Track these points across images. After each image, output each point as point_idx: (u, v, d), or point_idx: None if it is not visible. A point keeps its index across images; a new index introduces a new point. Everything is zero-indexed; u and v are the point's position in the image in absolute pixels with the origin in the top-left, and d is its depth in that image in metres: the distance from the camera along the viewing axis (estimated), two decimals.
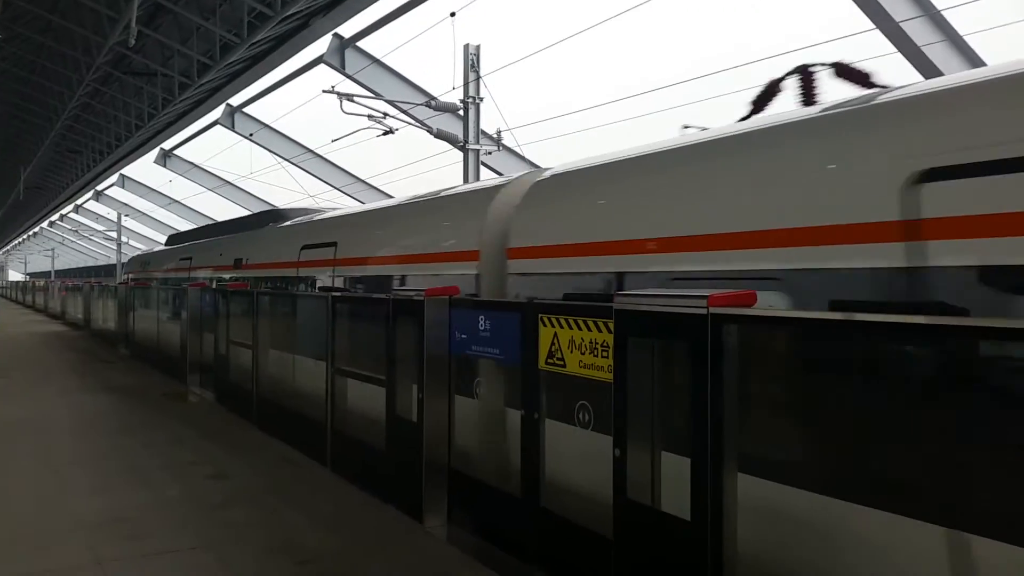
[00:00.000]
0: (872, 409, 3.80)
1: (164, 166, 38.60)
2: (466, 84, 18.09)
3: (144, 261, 27.19)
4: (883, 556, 3.51)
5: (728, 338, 3.98)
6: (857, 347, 3.88)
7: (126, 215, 56.47)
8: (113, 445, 9.25)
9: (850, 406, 3.88)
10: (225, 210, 38.26)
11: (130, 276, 28.12)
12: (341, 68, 20.58)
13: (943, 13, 11.04)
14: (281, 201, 30.02)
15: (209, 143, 35.75)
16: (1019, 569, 3.02)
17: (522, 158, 19.45)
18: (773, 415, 4.23)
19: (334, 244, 10.82)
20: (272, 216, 16.41)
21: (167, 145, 36.25)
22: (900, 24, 10.46)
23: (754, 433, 4.13)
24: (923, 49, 10.78)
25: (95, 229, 66.52)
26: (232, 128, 29.39)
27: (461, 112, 18.22)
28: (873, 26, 11.07)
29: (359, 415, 7.91)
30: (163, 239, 52.94)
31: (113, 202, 55.72)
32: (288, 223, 14.85)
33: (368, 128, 18.42)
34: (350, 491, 7.22)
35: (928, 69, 11.03)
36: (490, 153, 18.60)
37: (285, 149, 28.95)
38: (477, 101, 17.98)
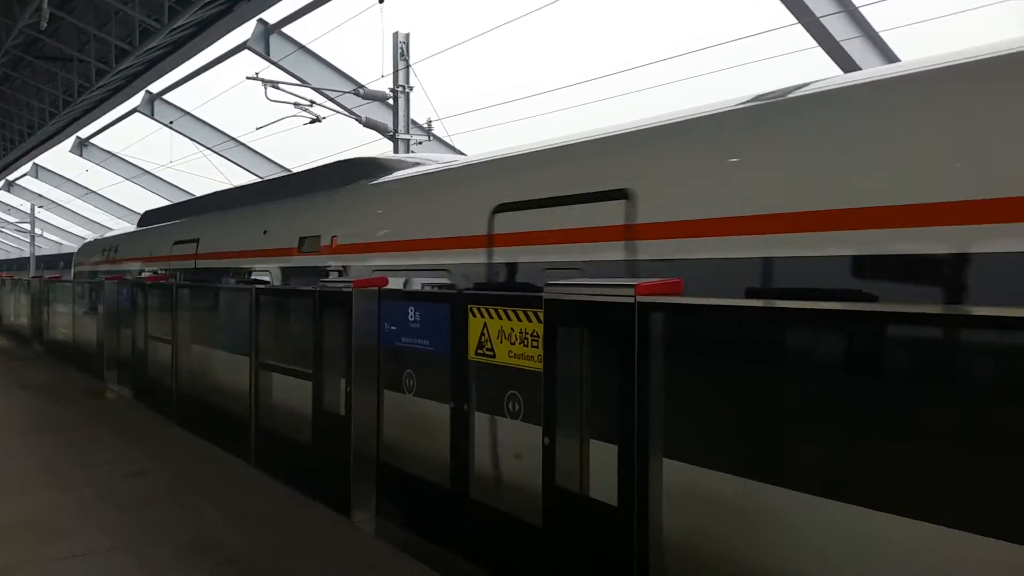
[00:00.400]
0: (795, 394, 3.87)
1: (80, 155, 37.13)
2: (395, 73, 17.87)
3: (107, 248, 19.45)
4: (809, 538, 3.58)
5: (655, 326, 4.03)
6: (779, 334, 3.95)
7: (40, 206, 54.17)
8: (26, 444, 8.85)
9: (773, 392, 3.95)
10: (145, 201, 37.05)
11: (80, 270, 21.49)
12: (266, 54, 20.09)
13: (861, 10, 11.38)
14: (202, 191, 29.21)
15: (128, 131, 34.49)
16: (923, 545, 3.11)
17: (452, 148, 19.33)
18: (699, 402, 4.28)
19: (622, 195, 5.61)
20: (360, 168, 9.76)
21: (83, 133, 34.84)
22: (820, 19, 10.73)
23: (680, 419, 4.18)
24: (842, 44, 11.09)
25: (6, 221, 63.64)
26: (152, 116, 28.45)
27: (391, 101, 18.00)
28: (795, 20, 11.33)
29: (285, 410, 7.74)
30: (83, 232, 50.87)
31: (26, 192, 53.37)
32: (440, 168, 8.44)
33: (294, 116, 18.06)
34: (275, 488, 7.07)
35: (847, 64, 11.34)
36: (420, 143, 18.42)
37: (207, 137, 28.18)
38: (407, 90, 17.78)
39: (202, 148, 28.18)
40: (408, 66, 17.81)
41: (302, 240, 9.50)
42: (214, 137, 28.18)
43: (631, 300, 4.07)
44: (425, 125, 18.12)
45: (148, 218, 18.21)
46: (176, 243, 14.01)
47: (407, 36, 17.98)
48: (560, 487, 4.42)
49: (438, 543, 5.59)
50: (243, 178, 26.81)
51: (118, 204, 43.36)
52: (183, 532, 5.90)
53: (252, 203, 12.35)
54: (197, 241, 13.05)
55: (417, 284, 7.58)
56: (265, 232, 10.75)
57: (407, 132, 17.62)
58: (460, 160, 8.63)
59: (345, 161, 10.52)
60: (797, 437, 3.83)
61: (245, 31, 19.96)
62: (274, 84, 18.17)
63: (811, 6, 10.83)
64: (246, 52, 20.71)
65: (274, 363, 8.07)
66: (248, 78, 18.31)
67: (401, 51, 17.90)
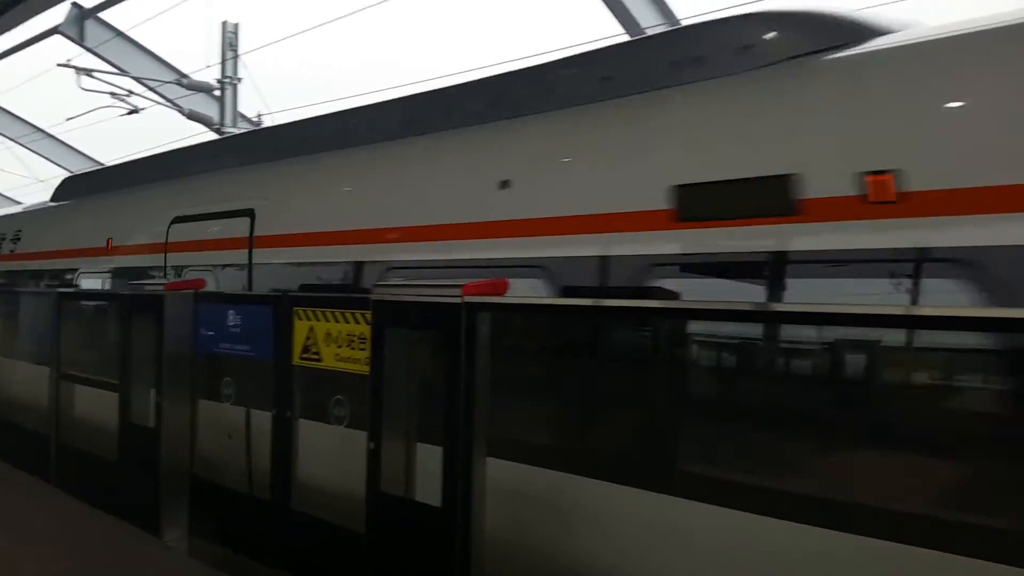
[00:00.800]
0: (616, 388, 3.94)
1: None
2: (223, 63, 17.09)
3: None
4: (630, 528, 3.62)
5: (482, 325, 4.03)
6: (603, 330, 4.01)
7: None
8: None
9: (597, 386, 4.00)
10: None
11: None
12: (80, 40, 18.65)
13: (683, 22, 11.95)
14: (6, 188, 26.63)
15: None
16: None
17: None
18: (524, 400, 4.29)
19: None
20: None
21: None
22: (645, 31, 11.17)
23: (505, 418, 4.17)
24: None
25: None
26: None
27: (217, 92, 17.18)
28: (623, 31, 11.75)
29: (89, 424, 7.15)
30: None
31: None
32: None
33: (110, 106, 16.84)
34: (78, 508, 6.56)
35: None
36: None
37: (11, 128, 25.86)
38: (235, 81, 17.04)
39: (5, 139, 25.89)
40: (236, 56, 17.05)
41: (686, 194, 3.97)
42: (18, 128, 25.89)
43: (458, 300, 4.04)
44: (255, 118, 17.44)
45: (78, 186, 10.51)
46: (180, 221, 7.33)
47: (236, 26, 17.28)
48: (385, 492, 4.36)
49: (257, 558, 5.34)
50: (51, 172, 24.69)
51: None
52: None
53: (422, 129, 5.71)
54: (251, 215, 6.42)
55: None
56: (505, 184, 4.76)
57: (235, 125, 16.86)
58: None
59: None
60: (622, 430, 3.90)
61: (57, 14, 18.45)
62: (88, 72, 16.90)
63: (637, 18, 11.25)
64: (57, 37, 19.17)
65: (78, 374, 7.45)
66: (59, 65, 16.96)
67: (230, 41, 17.16)
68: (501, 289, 4.17)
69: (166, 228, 7.42)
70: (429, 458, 4.21)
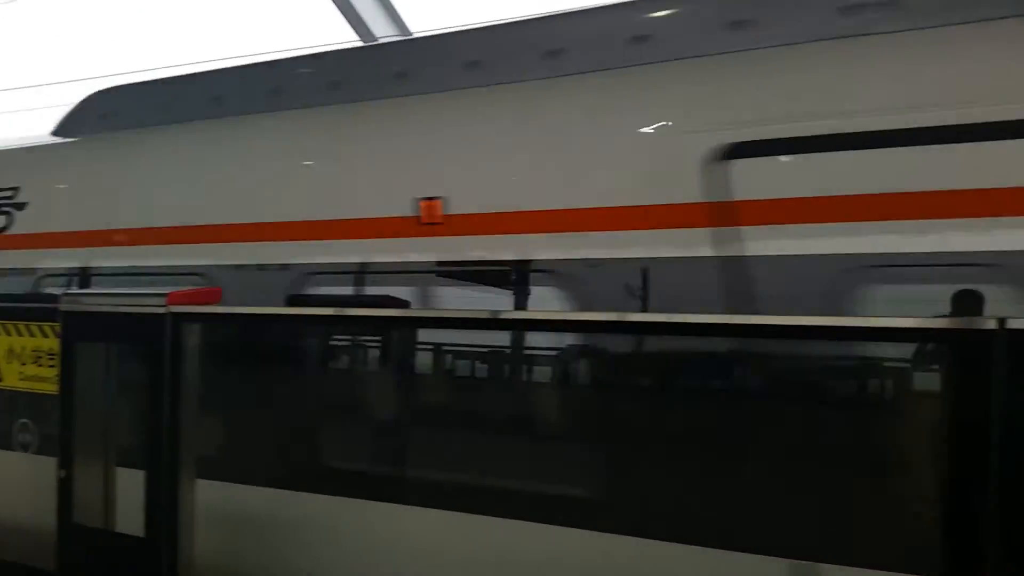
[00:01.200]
0: (334, 398, 3.87)
1: None
2: None
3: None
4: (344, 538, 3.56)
5: (191, 337, 3.81)
6: (325, 339, 3.93)
7: None
8: None
9: (315, 397, 3.91)
10: None
11: None
12: None
13: (416, 35, 12.11)
14: None
15: None
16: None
17: None
18: (234, 415, 4.08)
19: None
20: None
21: None
22: (380, 40, 11.20)
23: (213, 436, 3.95)
24: None
25: None
26: None
27: None
28: (358, 38, 11.70)
29: None
30: None
31: None
32: None
33: None
34: None
35: None
36: None
37: None
38: None
39: None
40: None
41: None
42: None
43: (162, 310, 3.83)
44: None
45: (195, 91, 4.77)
46: (787, 146, 3.11)
47: None
48: (79, 524, 4.03)
49: None
50: None
51: None
52: None
53: None
54: None
55: None
56: None
57: None
58: None
59: None
60: (343, 442, 3.83)
61: None
62: None
63: (372, 28, 11.24)
64: None
65: None
66: None
67: None
68: (213, 298, 3.96)
69: (699, 168, 3.20)
70: (131, 484, 3.91)
